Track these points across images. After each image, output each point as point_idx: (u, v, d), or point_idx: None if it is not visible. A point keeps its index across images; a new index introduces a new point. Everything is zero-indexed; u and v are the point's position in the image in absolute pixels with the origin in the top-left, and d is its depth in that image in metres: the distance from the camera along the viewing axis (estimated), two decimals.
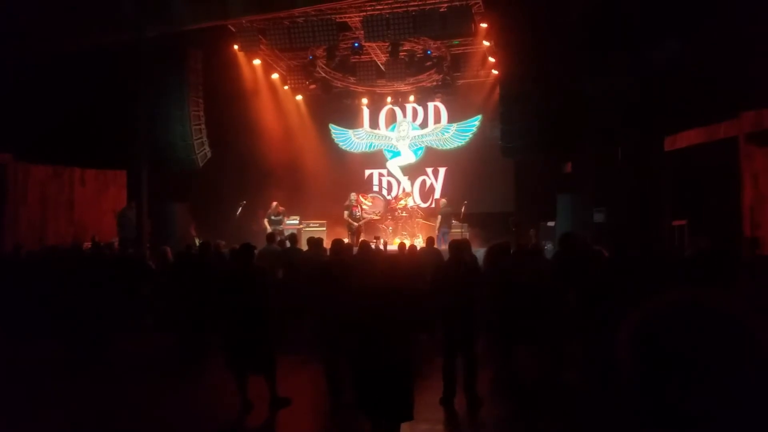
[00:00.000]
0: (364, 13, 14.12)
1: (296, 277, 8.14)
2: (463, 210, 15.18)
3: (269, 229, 14.26)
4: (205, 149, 14.45)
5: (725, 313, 0.94)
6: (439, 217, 15.03)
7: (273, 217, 14.54)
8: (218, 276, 6.58)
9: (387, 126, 18.88)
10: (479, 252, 9.55)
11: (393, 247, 12.69)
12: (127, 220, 12.78)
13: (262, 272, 6.15)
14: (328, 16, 14.26)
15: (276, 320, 8.07)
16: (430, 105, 18.40)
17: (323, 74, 17.10)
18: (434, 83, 17.02)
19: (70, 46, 12.27)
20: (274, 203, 14.81)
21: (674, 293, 0.98)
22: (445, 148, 18.24)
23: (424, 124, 18.58)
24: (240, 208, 15.38)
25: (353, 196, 15.64)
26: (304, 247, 10.09)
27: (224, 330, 5.82)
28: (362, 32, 14.46)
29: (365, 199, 16.69)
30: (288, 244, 9.57)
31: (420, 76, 17.03)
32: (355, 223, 15.01)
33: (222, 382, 5.84)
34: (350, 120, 19.00)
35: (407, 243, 13.15)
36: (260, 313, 5.67)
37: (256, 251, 6.49)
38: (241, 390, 5.63)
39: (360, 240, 12.33)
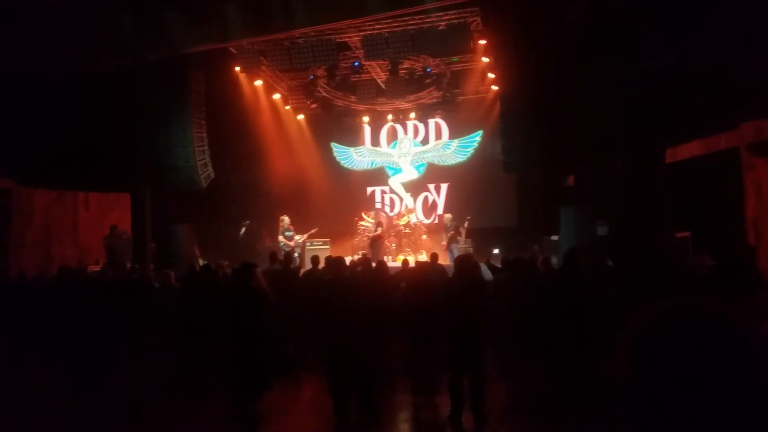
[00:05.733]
0: (364, 33, 14.25)
1: (296, 297, 8.15)
2: (466, 225, 15.17)
3: (289, 244, 14.31)
4: (208, 170, 14.52)
5: (722, 320, 0.95)
6: (452, 232, 14.89)
7: (287, 233, 14.59)
8: (219, 296, 6.55)
9: (388, 143, 18.97)
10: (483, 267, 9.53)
11: (397, 264, 12.70)
12: (114, 245, 12.84)
13: (262, 291, 6.12)
14: (328, 37, 14.39)
15: (276, 339, 8.09)
16: (431, 122, 18.49)
17: (324, 93, 17.22)
18: (434, 100, 17.11)
19: (71, 70, 12.39)
20: (285, 218, 14.82)
21: (670, 300, 0.98)
22: (446, 164, 18.30)
23: (425, 141, 18.66)
24: (243, 228, 15.40)
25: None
26: (308, 265, 10.09)
27: (224, 350, 5.80)
28: (362, 51, 14.59)
29: (368, 216, 16.71)
30: (297, 262, 9.58)
31: (420, 94, 17.14)
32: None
33: (226, 402, 5.81)
34: (352, 138, 19.10)
35: (411, 259, 13.14)
36: (258, 333, 5.64)
37: (258, 270, 6.48)
38: (243, 409, 5.60)
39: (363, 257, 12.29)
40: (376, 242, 14.68)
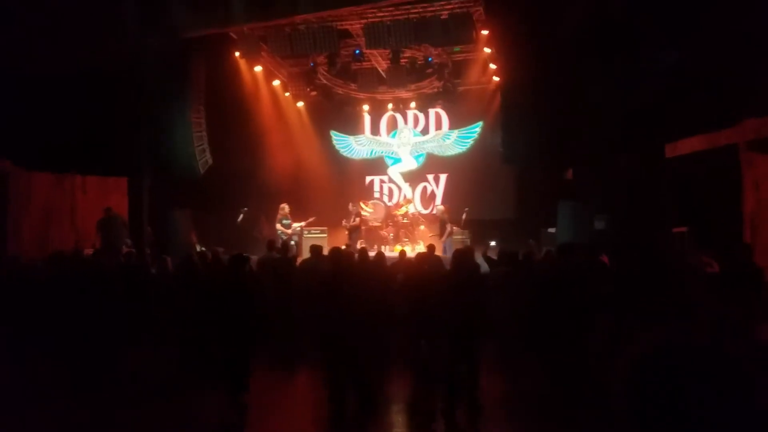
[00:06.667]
0: (365, 21, 14.16)
1: (293, 287, 8.14)
2: (464, 217, 15.17)
3: (286, 232, 14.28)
4: (206, 156, 14.47)
5: (716, 351, 0.95)
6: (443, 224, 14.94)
7: (284, 221, 14.58)
8: (208, 288, 6.39)
9: (388, 132, 18.92)
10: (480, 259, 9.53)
11: (394, 254, 12.70)
12: (107, 229, 12.80)
13: (251, 285, 6.01)
14: (329, 24, 14.30)
15: (273, 329, 8.03)
16: (431, 111, 18.44)
17: (324, 81, 17.15)
18: (435, 90, 17.05)
19: (71, 55, 12.29)
20: (285, 206, 14.78)
21: (667, 331, 0.99)
22: (446, 154, 18.27)
23: (425, 131, 18.62)
24: (241, 215, 15.38)
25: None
26: (305, 254, 10.09)
27: (211, 343, 5.72)
28: (363, 39, 14.50)
29: (366, 206, 16.70)
30: (294, 251, 9.56)
31: (421, 83, 17.07)
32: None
33: (213, 397, 5.73)
34: (351, 126, 19.05)
35: (408, 250, 13.17)
36: (244, 328, 5.58)
37: (251, 260, 6.41)
38: (231, 404, 5.52)
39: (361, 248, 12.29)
40: (354, 232, 14.69)
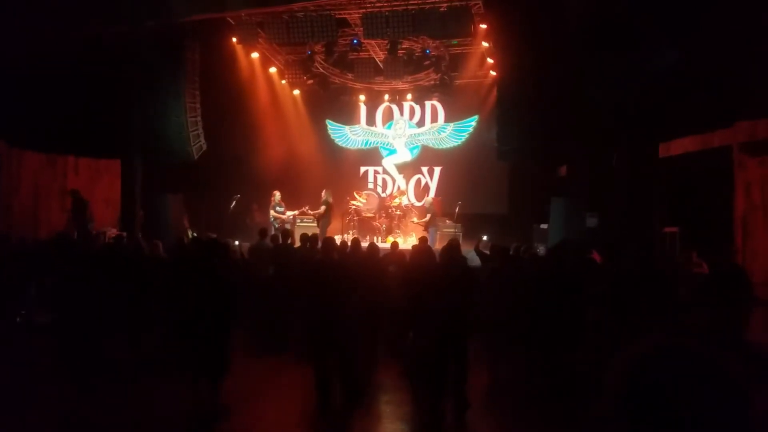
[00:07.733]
0: (364, 10, 14.09)
1: (287, 276, 8.12)
2: (457, 210, 15.20)
3: (280, 218, 14.23)
4: (200, 141, 14.39)
5: (708, 358, 0.96)
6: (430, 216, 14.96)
7: (278, 208, 14.54)
8: (184, 273, 6.27)
9: (384, 123, 18.89)
10: (470, 253, 9.56)
11: (386, 245, 12.70)
12: (74, 210, 12.67)
13: (226, 272, 5.95)
14: (328, 12, 14.22)
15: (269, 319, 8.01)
16: (428, 104, 18.43)
17: (321, 70, 17.07)
18: (432, 82, 17.03)
19: (67, 36, 12.17)
20: (277, 193, 14.73)
21: (657, 338, 1.00)
22: (441, 147, 18.28)
23: (420, 123, 18.61)
24: (234, 202, 15.33)
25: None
26: (298, 242, 10.04)
27: (181, 328, 5.66)
28: (361, 29, 14.44)
29: (359, 196, 16.68)
30: (280, 239, 9.50)
31: (418, 75, 17.03)
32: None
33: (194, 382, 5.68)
34: (347, 116, 19.01)
35: (400, 241, 13.15)
36: (221, 314, 5.53)
37: (234, 246, 6.34)
38: (209, 392, 5.49)
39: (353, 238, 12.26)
40: (321, 219, 14.60)
